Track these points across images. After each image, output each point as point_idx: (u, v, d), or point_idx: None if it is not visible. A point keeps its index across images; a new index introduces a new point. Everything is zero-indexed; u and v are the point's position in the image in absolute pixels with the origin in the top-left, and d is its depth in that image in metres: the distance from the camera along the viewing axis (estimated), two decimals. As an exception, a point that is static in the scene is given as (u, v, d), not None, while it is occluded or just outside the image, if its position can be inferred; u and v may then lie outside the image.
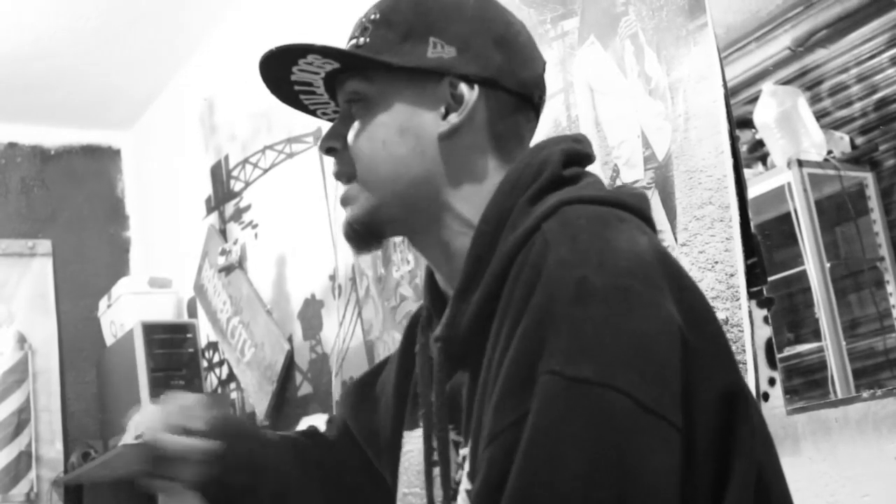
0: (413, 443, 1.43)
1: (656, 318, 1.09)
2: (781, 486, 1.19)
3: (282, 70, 1.39)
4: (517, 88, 1.36)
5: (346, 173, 1.38)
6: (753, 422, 1.14)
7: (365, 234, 1.38)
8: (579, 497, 1.01)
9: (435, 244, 1.36)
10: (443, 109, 1.33)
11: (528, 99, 1.38)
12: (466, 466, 1.24)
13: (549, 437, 1.04)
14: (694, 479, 1.08)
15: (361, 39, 1.35)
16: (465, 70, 1.32)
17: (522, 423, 1.06)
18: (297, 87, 1.42)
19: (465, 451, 1.27)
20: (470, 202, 1.33)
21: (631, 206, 1.23)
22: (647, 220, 1.25)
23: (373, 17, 1.36)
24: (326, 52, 1.34)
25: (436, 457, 1.35)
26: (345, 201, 1.39)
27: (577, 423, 1.04)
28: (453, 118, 1.32)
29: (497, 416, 1.10)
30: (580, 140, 1.37)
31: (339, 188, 1.41)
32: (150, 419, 1.47)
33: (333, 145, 1.38)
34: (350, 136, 1.36)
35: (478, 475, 1.11)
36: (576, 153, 1.32)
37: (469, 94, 1.32)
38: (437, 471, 1.34)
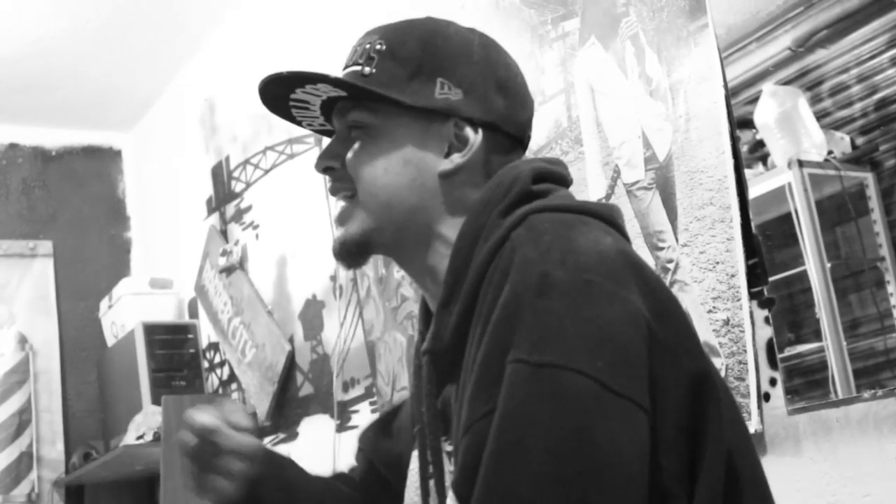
0: (416, 460, 1.44)
1: (619, 308, 1.12)
2: (753, 471, 1.22)
3: (285, 89, 1.42)
4: (514, 132, 1.41)
5: (345, 189, 1.41)
6: (721, 405, 1.17)
7: (356, 252, 1.41)
8: (548, 474, 1.04)
9: (421, 266, 1.41)
10: (445, 148, 1.37)
11: (521, 140, 1.43)
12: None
13: (515, 419, 1.07)
14: (667, 464, 1.11)
15: (367, 69, 1.38)
16: (470, 113, 1.36)
17: (493, 412, 1.10)
18: (291, 103, 1.44)
19: None
20: (454, 226, 1.36)
21: (598, 213, 1.27)
22: (617, 227, 1.29)
23: (378, 46, 1.39)
24: (340, 84, 1.37)
25: (431, 468, 1.36)
26: (342, 219, 1.42)
27: (543, 405, 1.07)
28: (456, 158, 1.37)
29: (471, 408, 1.14)
30: (555, 162, 1.41)
31: (336, 205, 1.44)
32: (205, 416, 1.49)
33: (332, 164, 1.41)
34: (350, 157, 1.39)
35: (455, 464, 1.15)
36: (547, 172, 1.35)
37: (473, 137, 1.36)
38: (431, 483, 1.36)
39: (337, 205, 1.44)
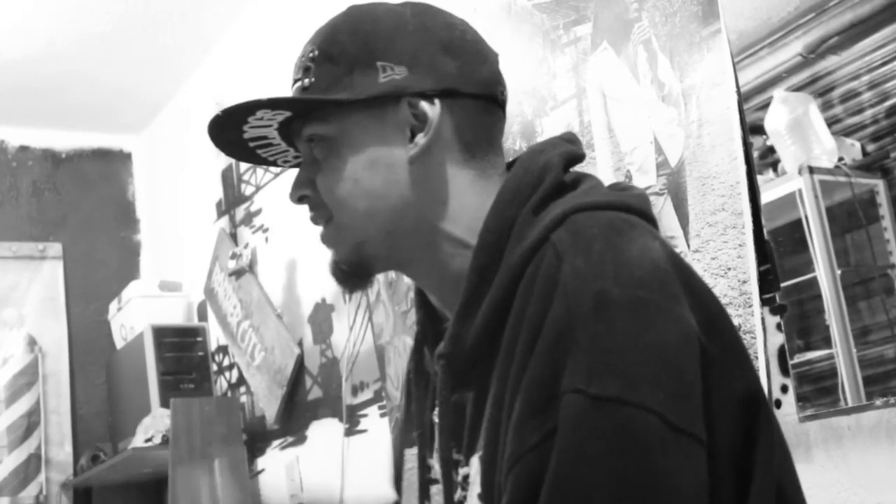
0: (412, 461, 1.41)
1: (676, 330, 1.07)
2: (798, 497, 1.18)
3: (233, 132, 1.34)
4: (478, 90, 1.31)
5: (323, 216, 1.34)
6: (773, 428, 1.13)
7: (353, 273, 1.34)
8: None
9: (429, 270, 1.32)
10: (408, 132, 1.29)
11: (492, 98, 1.34)
12: (477, 488, 1.20)
13: (576, 458, 1.02)
14: (716, 487, 1.07)
15: (306, 80, 1.31)
16: (420, 87, 1.28)
17: (546, 443, 1.04)
18: (251, 144, 1.37)
19: (465, 471, 1.25)
20: (457, 221, 1.30)
21: (636, 207, 1.21)
22: (652, 221, 1.23)
23: (311, 55, 1.32)
24: (275, 104, 1.30)
25: (433, 475, 1.34)
26: (328, 244, 1.35)
27: (604, 444, 1.02)
28: (420, 139, 1.28)
29: (519, 437, 1.08)
30: (573, 140, 1.34)
31: (319, 231, 1.37)
32: None
33: (305, 193, 1.34)
34: (320, 180, 1.32)
35: (503, 498, 1.09)
36: (573, 155, 1.29)
37: (431, 110, 1.28)
38: (434, 489, 1.34)
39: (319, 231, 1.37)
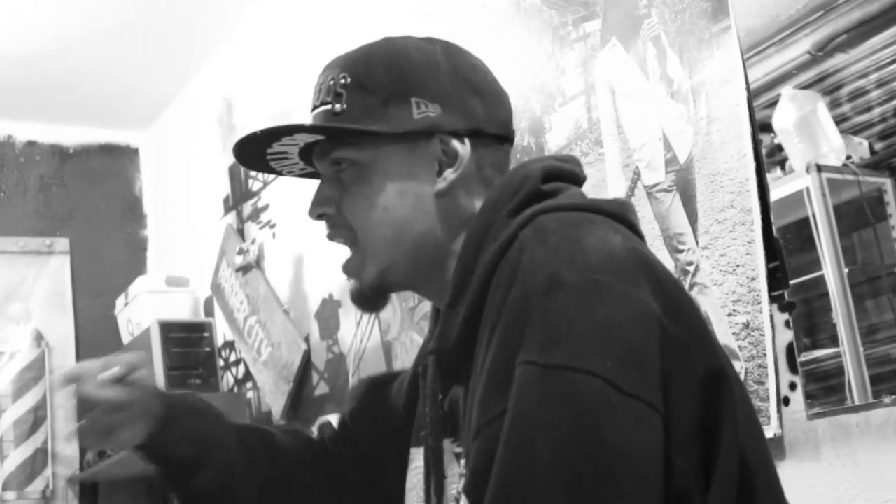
0: (419, 459, 1.44)
1: (629, 307, 1.11)
2: (766, 470, 1.21)
3: (261, 146, 1.40)
4: (499, 131, 1.40)
5: (343, 236, 1.40)
6: (736, 403, 1.16)
7: (376, 297, 1.41)
8: (560, 477, 1.03)
9: (439, 287, 1.39)
10: (436, 166, 1.36)
11: (508, 137, 1.42)
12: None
13: (526, 423, 1.07)
14: (682, 464, 1.10)
15: (337, 106, 1.36)
16: (452, 126, 1.36)
17: (505, 415, 1.09)
18: (269, 156, 1.43)
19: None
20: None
21: (607, 210, 1.26)
22: (628, 224, 1.27)
23: (343, 80, 1.36)
24: (316, 130, 1.36)
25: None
26: (354, 270, 1.41)
27: (553, 407, 1.06)
28: (449, 174, 1.36)
29: (482, 411, 1.13)
30: (567, 160, 1.40)
31: (343, 253, 1.42)
32: (83, 366, 1.49)
33: (328, 211, 1.40)
34: (346, 203, 1.38)
35: (467, 468, 1.14)
36: (558, 170, 1.34)
37: (462, 149, 1.35)
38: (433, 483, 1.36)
39: (341, 248, 1.43)
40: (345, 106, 1.35)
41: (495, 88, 1.42)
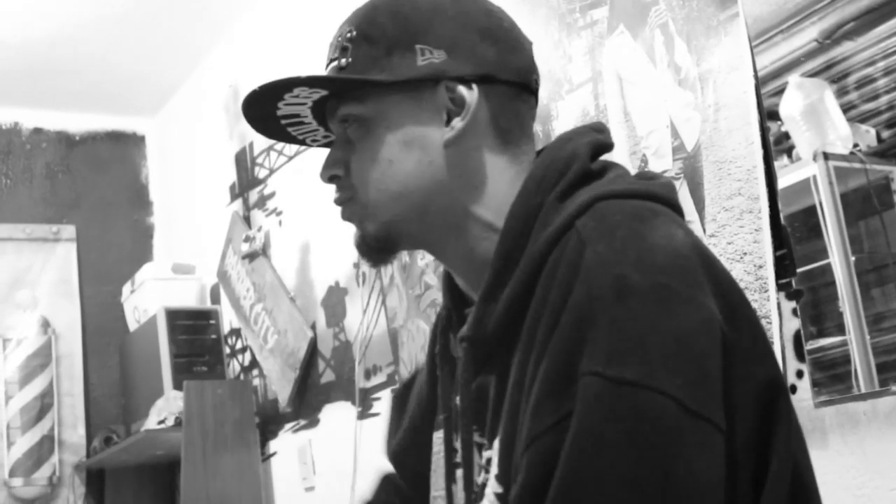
0: (439, 444, 1.42)
1: (697, 317, 1.07)
2: (815, 484, 1.18)
3: (267, 107, 1.35)
4: (514, 78, 1.32)
5: (349, 199, 1.34)
6: (791, 413, 1.14)
7: (380, 249, 1.34)
8: (624, 500, 1.00)
9: (457, 252, 1.33)
10: (444, 115, 1.29)
11: (526, 85, 1.34)
12: (494, 469, 1.21)
13: (592, 440, 1.03)
14: (734, 476, 1.07)
15: (343, 60, 1.31)
16: (459, 72, 1.28)
17: (562, 424, 1.05)
18: (283, 121, 1.38)
19: (488, 454, 1.26)
20: (488, 205, 1.30)
21: (662, 196, 1.21)
22: (678, 210, 1.23)
23: (349, 34, 1.32)
24: (313, 81, 1.30)
25: (458, 459, 1.33)
26: (350, 219, 1.35)
27: (621, 427, 1.02)
28: (457, 123, 1.28)
29: (536, 419, 1.08)
30: (602, 130, 1.34)
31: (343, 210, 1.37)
32: None
33: (336, 173, 1.34)
34: (354, 161, 1.32)
35: (518, 478, 1.09)
36: (601, 145, 1.30)
37: (469, 95, 1.28)
38: (459, 473, 1.33)
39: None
40: (350, 59, 1.30)
41: (512, 34, 1.34)
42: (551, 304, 1.12)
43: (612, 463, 1.01)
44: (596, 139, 1.30)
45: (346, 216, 1.36)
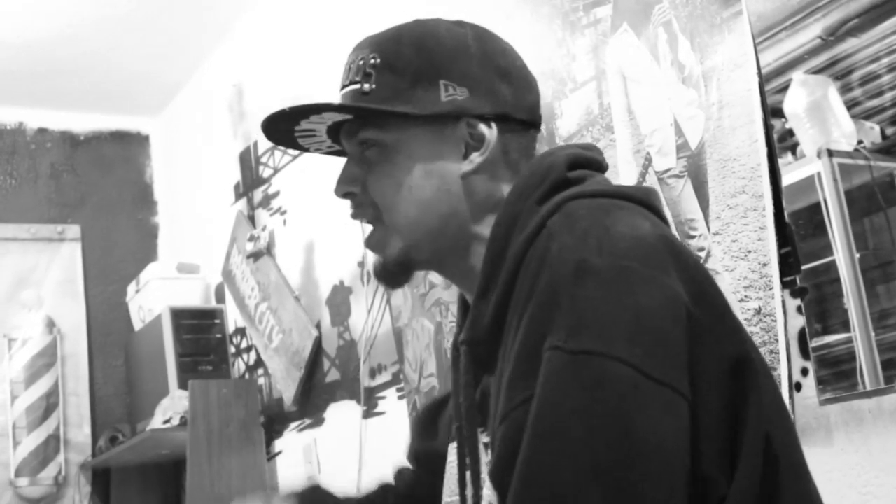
0: (452, 454, 1.45)
1: (657, 293, 1.11)
2: (794, 455, 1.21)
3: (289, 123, 1.41)
4: (526, 117, 1.40)
5: (368, 214, 1.41)
6: (762, 390, 1.16)
7: (399, 273, 1.42)
8: (587, 463, 1.04)
9: (464, 271, 1.40)
10: (463, 149, 1.36)
11: (534, 123, 1.42)
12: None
13: (553, 408, 1.07)
14: (707, 450, 1.10)
15: (366, 86, 1.37)
16: (480, 110, 1.36)
17: (531, 400, 1.09)
18: (297, 134, 1.44)
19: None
20: (488, 223, 1.36)
21: (635, 197, 1.27)
22: (655, 210, 1.28)
23: (373, 60, 1.37)
24: (343, 109, 1.37)
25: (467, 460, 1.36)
26: (377, 245, 1.42)
27: (580, 393, 1.06)
28: (475, 157, 1.36)
29: (508, 397, 1.14)
30: (590, 147, 1.41)
31: (364, 230, 1.44)
32: None
33: (353, 189, 1.41)
34: (371, 181, 1.39)
35: (493, 453, 1.15)
36: (582, 158, 1.35)
37: (489, 133, 1.36)
38: (469, 473, 1.36)
39: (364, 227, 1.44)
40: (374, 86, 1.36)
41: (524, 74, 1.42)
42: (523, 294, 1.18)
43: (573, 429, 1.05)
44: (576, 152, 1.36)
45: (372, 243, 1.43)
